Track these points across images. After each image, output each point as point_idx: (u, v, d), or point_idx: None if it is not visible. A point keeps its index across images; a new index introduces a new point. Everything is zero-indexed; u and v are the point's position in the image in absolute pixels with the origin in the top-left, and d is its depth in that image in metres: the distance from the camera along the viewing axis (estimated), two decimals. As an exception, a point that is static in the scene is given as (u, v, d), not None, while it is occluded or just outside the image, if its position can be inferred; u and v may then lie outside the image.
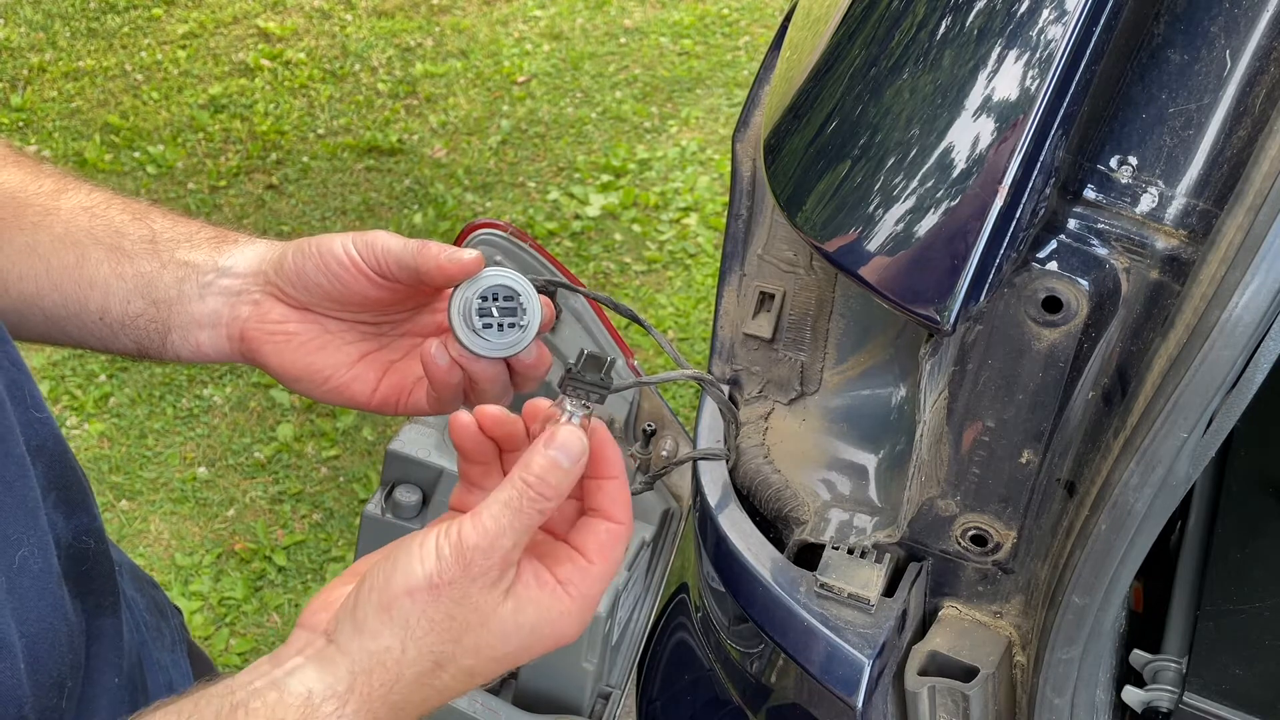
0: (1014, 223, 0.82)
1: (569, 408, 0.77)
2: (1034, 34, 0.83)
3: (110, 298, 0.89)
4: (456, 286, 0.84)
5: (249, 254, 0.90)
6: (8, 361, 0.79)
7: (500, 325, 0.84)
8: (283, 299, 0.89)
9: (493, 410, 0.80)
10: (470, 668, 0.73)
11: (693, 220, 3.27)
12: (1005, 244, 0.82)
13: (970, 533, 0.97)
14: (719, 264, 1.12)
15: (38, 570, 0.77)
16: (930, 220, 0.84)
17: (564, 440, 0.75)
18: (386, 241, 0.85)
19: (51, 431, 0.82)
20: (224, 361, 0.92)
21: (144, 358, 0.92)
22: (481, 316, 0.84)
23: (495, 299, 0.84)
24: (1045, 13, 0.83)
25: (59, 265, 0.89)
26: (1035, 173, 0.81)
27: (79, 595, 0.83)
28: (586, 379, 0.79)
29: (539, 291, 0.86)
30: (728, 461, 1.08)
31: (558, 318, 1.22)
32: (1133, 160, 0.86)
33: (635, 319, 0.93)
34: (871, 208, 0.87)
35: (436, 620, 0.71)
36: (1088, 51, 0.81)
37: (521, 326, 0.84)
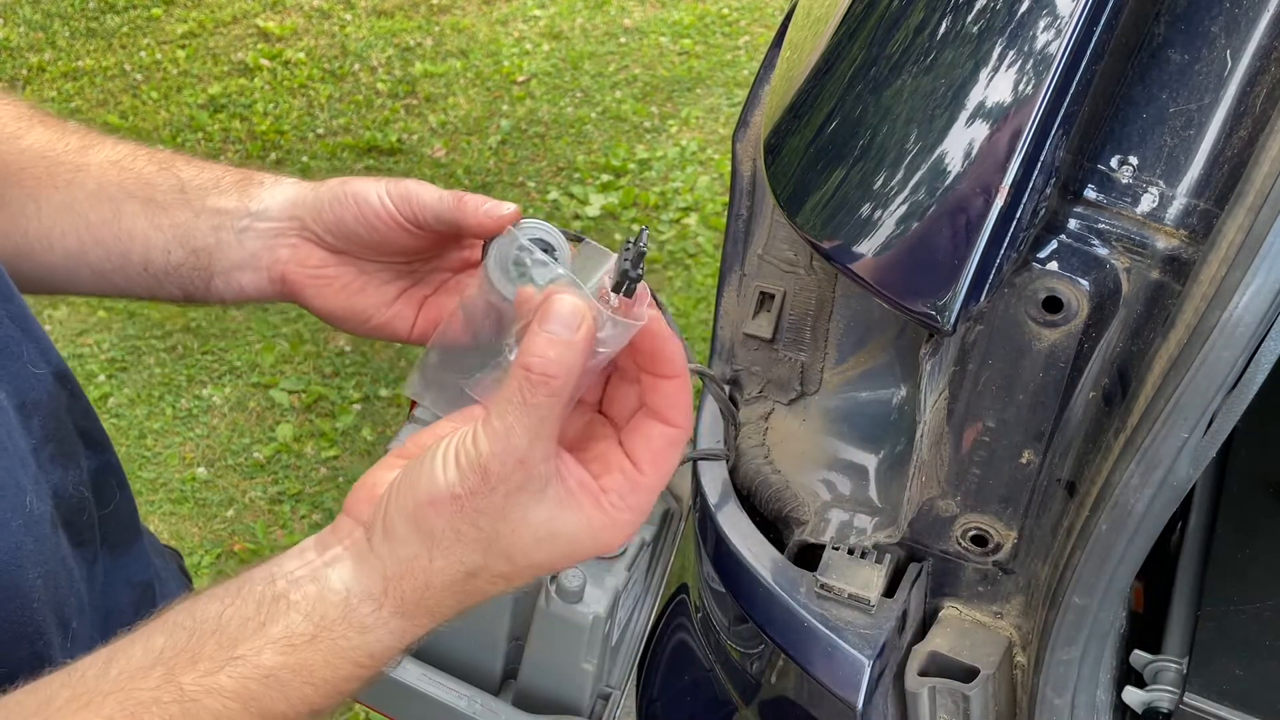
0: (1014, 223, 0.81)
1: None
2: (1034, 34, 0.83)
3: (151, 249, 0.92)
4: (491, 237, 0.87)
5: (279, 196, 0.92)
6: (7, 319, 0.80)
7: (535, 275, 0.86)
8: (320, 244, 0.91)
9: None
10: (505, 573, 0.71)
11: (693, 220, 3.27)
12: (1006, 244, 0.82)
13: (970, 533, 0.97)
14: (719, 264, 1.12)
15: (38, 515, 0.79)
16: (931, 220, 0.84)
17: (555, 310, 0.67)
18: (421, 195, 0.87)
19: (46, 388, 0.83)
20: (266, 301, 0.95)
21: (190, 302, 0.95)
22: (518, 266, 0.86)
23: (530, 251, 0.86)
24: (1046, 12, 0.83)
25: (97, 220, 0.92)
26: (1036, 173, 0.81)
27: (77, 545, 0.85)
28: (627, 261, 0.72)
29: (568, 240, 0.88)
30: (728, 461, 1.08)
31: None
32: (1133, 160, 0.86)
33: (658, 303, 0.95)
34: (872, 207, 0.87)
35: (462, 531, 0.68)
36: (1088, 51, 0.81)
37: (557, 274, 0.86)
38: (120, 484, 0.91)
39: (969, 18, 0.87)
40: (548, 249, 0.87)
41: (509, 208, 0.86)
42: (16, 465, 0.77)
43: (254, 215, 0.92)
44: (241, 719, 0.67)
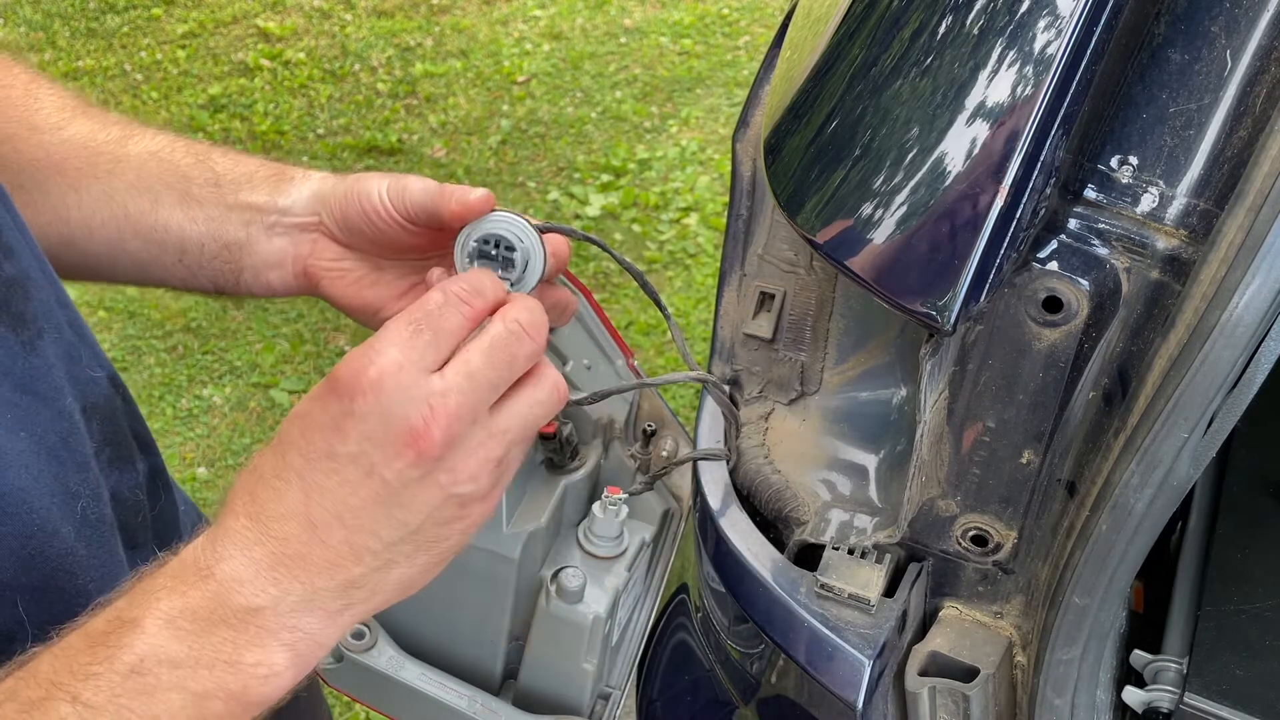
0: (1014, 223, 0.82)
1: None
2: (1035, 34, 0.83)
3: (186, 241, 0.94)
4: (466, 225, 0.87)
5: (305, 193, 0.95)
6: (67, 325, 0.82)
7: (497, 270, 0.85)
8: (334, 239, 0.94)
9: None
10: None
11: (693, 220, 3.27)
12: (1006, 244, 0.82)
13: (971, 533, 0.97)
14: (719, 264, 1.12)
15: (94, 519, 0.80)
16: (931, 220, 0.84)
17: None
18: (413, 187, 0.89)
19: (103, 391, 0.84)
20: (292, 295, 0.97)
21: (221, 294, 0.97)
22: (480, 260, 0.85)
23: (495, 244, 0.85)
24: (1046, 12, 0.83)
25: (135, 211, 0.94)
26: (1036, 173, 0.81)
27: (131, 547, 0.86)
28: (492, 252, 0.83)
29: (549, 231, 0.87)
30: (728, 462, 1.08)
31: None
32: (1133, 160, 0.86)
33: (660, 305, 0.95)
34: (872, 207, 0.87)
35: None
36: (1088, 51, 0.81)
37: (516, 280, 0.85)
38: (166, 486, 0.92)
39: (969, 17, 0.87)
40: (511, 249, 0.85)
41: (477, 194, 0.86)
42: (71, 471, 0.77)
43: (281, 211, 0.94)
44: None
